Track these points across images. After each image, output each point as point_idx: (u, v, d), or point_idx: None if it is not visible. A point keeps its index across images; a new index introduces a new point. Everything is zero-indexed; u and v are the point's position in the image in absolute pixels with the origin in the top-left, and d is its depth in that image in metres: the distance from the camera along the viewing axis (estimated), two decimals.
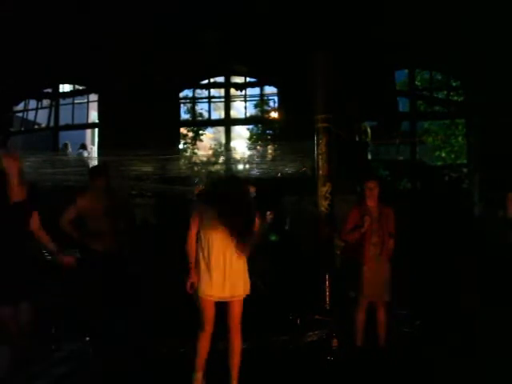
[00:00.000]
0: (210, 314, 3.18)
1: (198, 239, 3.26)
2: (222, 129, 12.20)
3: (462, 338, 4.23)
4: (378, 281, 3.98)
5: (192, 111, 10.10)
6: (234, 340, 3.25)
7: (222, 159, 9.16)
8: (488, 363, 3.57)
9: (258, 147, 10.84)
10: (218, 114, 14.90)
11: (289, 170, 6.90)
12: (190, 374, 3.19)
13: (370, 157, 8.38)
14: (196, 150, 11.78)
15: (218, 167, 8.54)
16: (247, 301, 3.28)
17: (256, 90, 9.29)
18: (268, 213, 6.03)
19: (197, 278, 3.18)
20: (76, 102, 9.20)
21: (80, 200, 4.16)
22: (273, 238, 6.13)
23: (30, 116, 9.55)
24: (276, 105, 9.31)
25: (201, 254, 3.24)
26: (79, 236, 4.10)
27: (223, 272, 3.16)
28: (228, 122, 9.23)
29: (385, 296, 4.03)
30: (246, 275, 3.27)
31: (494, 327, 4.11)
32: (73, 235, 4.05)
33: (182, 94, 9.13)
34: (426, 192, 7.77)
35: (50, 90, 9.23)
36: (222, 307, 3.22)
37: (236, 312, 3.24)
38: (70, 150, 9.75)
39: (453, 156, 12.37)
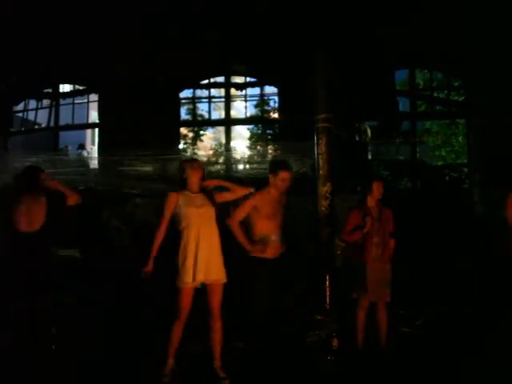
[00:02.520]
0: (186, 302, 3.42)
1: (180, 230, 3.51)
2: (222, 129, 12.20)
3: (462, 338, 4.23)
4: (380, 281, 3.98)
5: (192, 111, 10.09)
6: (215, 325, 3.50)
7: (222, 159, 9.16)
8: (488, 363, 3.57)
9: (259, 147, 10.84)
10: (218, 113, 14.91)
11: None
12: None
13: (370, 157, 8.37)
14: (196, 150, 11.76)
15: (218, 167, 8.54)
16: (248, 300, 3.31)
17: (256, 90, 9.28)
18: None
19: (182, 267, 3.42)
20: (76, 102, 9.20)
21: (257, 196, 3.77)
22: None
23: (30, 116, 9.55)
24: (276, 105, 9.30)
25: (182, 244, 3.48)
26: (247, 241, 3.65)
27: (195, 257, 3.40)
28: (228, 122, 9.22)
29: (386, 296, 4.02)
30: (222, 262, 3.50)
31: (494, 327, 4.11)
32: (239, 239, 3.66)
33: (182, 94, 9.12)
34: (426, 192, 7.76)
35: (50, 90, 9.23)
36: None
37: (215, 297, 3.49)
38: (69, 151, 9.77)
39: (453, 156, 12.36)
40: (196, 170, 3.65)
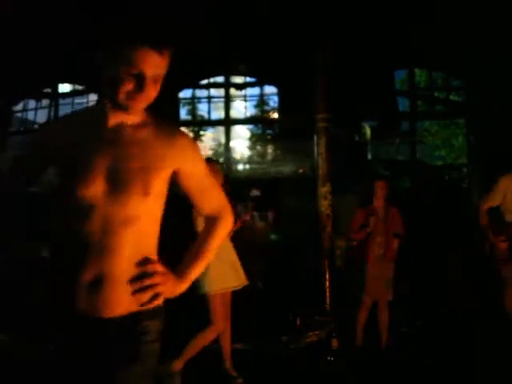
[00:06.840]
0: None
1: None
2: (222, 129, 12.20)
3: (463, 339, 4.23)
4: (381, 280, 3.98)
5: (192, 111, 10.09)
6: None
7: (222, 159, 9.15)
8: (488, 364, 3.57)
9: (258, 147, 10.84)
10: (218, 114, 14.89)
11: (289, 169, 6.90)
12: None
13: (369, 157, 8.37)
14: None
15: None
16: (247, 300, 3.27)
17: (256, 90, 9.30)
18: (269, 213, 6.02)
19: None
20: (75, 101, 9.20)
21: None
22: (273, 237, 6.13)
23: (30, 116, 9.55)
24: (276, 105, 9.30)
25: None
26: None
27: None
28: (228, 122, 9.22)
29: (387, 296, 4.02)
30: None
31: (493, 327, 4.11)
32: (484, 229, 3.31)
33: (181, 94, 9.11)
34: (426, 192, 7.76)
35: (49, 90, 9.22)
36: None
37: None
38: None
39: (453, 156, 12.37)
40: (217, 175, 3.05)
